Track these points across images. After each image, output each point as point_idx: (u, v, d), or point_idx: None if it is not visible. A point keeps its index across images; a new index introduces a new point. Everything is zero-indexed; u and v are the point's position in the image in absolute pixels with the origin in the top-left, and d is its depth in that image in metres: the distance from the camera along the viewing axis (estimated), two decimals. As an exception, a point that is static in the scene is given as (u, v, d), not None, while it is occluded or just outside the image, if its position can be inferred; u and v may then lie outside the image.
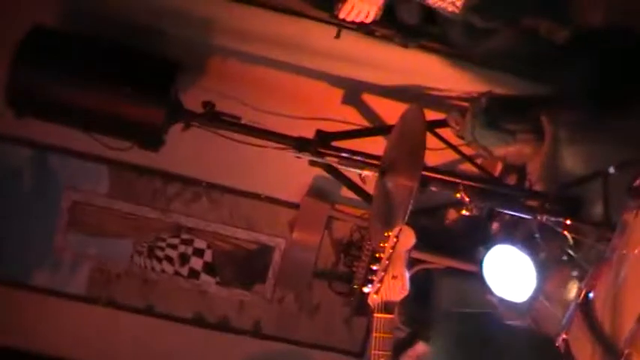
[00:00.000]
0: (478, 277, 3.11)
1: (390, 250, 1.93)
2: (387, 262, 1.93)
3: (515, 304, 2.98)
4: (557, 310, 2.82)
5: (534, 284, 2.96)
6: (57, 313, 3.88)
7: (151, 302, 3.95)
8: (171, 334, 3.97)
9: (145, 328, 3.94)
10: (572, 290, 2.45)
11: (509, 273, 3.04)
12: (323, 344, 4.08)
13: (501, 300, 3.03)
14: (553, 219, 2.73)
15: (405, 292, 1.96)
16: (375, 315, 1.96)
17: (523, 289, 2.98)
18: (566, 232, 2.65)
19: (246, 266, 3.98)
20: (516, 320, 3.10)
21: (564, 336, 1.80)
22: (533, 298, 2.94)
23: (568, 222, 2.65)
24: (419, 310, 3.46)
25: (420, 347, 3.24)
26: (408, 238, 1.92)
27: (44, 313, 3.88)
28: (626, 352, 1.53)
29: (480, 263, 3.10)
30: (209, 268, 3.95)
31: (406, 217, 2.23)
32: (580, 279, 2.39)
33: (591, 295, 1.74)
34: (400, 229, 1.91)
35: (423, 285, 3.56)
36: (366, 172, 2.84)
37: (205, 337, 4.00)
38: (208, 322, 4.01)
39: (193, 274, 3.95)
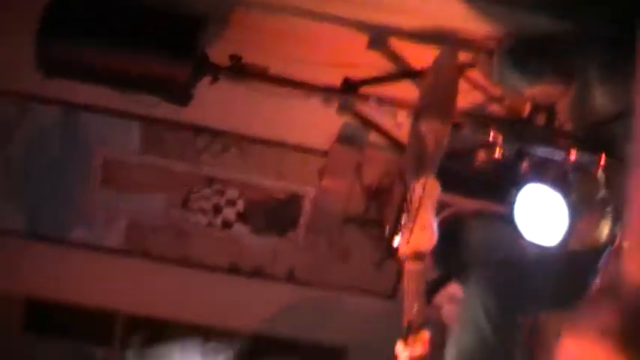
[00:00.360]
0: (509, 219, 3.11)
1: (418, 201, 1.94)
2: (415, 212, 1.94)
3: (547, 247, 2.98)
4: (589, 250, 2.83)
5: (567, 225, 2.95)
6: (95, 266, 3.97)
7: (186, 253, 4.02)
8: (206, 284, 4.04)
9: (181, 278, 4.02)
10: (605, 231, 2.45)
11: (541, 214, 3.04)
12: (355, 288, 4.14)
13: (532, 244, 3.04)
14: (585, 158, 2.71)
15: (434, 242, 1.97)
16: (406, 265, 1.98)
17: (555, 231, 2.98)
18: (598, 171, 2.64)
19: (277, 215, 4.03)
20: (548, 265, 3.12)
21: (597, 280, 1.82)
22: (565, 240, 2.94)
23: (601, 160, 2.63)
24: (449, 253, 3.48)
25: (453, 288, 3.27)
26: (434, 188, 1.93)
27: (82, 267, 3.96)
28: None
29: (510, 205, 3.10)
30: (242, 218, 4.00)
31: (437, 164, 2.23)
32: (613, 219, 2.38)
33: (624, 243, 1.74)
34: (427, 180, 1.92)
35: (453, 228, 3.58)
36: (400, 119, 2.84)
37: (240, 285, 4.07)
38: (243, 271, 4.08)
39: (226, 224, 4.00)
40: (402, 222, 1.96)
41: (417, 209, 1.93)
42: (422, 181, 1.91)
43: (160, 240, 3.99)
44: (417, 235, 1.93)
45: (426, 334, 1.91)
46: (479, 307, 2.15)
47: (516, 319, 2.20)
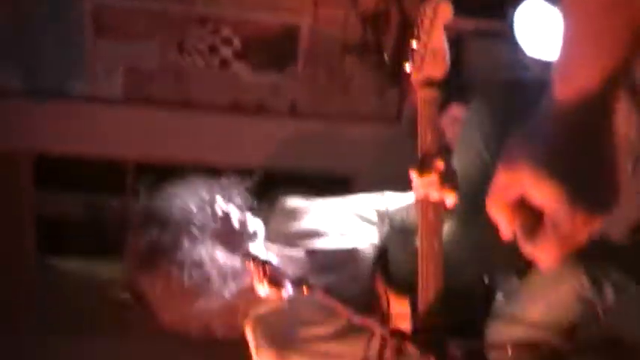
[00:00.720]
0: (509, 37, 3.09)
1: (429, 25, 1.90)
2: (426, 37, 1.91)
3: (550, 62, 2.98)
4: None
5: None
6: (97, 118, 3.98)
7: (187, 95, 4.02)
8: (209, 124, 4.06)
9: (184, 121, 4.03)
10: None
11: (541, 29, 3.01)
12: (357, 116, 4.16)
13: (534, 60, 3.03)
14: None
15: (446, 67, 1.95)
16: (419, 92, 1.97)
17: (556, 45, 2.96)
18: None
19: (275, 49, 3.98)
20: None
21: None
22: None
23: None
24: (450, 75, 3.47)
25: (454, 110, 3.29)
26: (446, 12, 1.88)
27: (85, 120, 3.97)
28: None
29: (510, 22, 3.06)
30: (239, 56, 3.96)
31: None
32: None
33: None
34: (438, 3, 1.87)
35: (452, 48, 3.55)
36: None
37: (243, 123, 4.10)
38: (245, 108, 4.09)
39: (225, 63, 3.97)
40: (413, 47, 1.92)
41: (429, 34, 1.89)
42: (432, 4, 1.85)
43: (159, 85, 3.97)
44: (429, 61, 1.91)
45: (440, 163, 1.94)
46: (478, 133, 2.15)
47: None
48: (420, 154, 1.92)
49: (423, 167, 1.92)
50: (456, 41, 3.56)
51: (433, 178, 1.91)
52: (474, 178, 2.04)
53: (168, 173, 4.18)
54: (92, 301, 4.15)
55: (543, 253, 0.95)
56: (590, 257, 1.89)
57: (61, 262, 4.43)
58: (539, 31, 3.00)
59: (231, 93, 4.06)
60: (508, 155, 0.93)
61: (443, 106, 3.42)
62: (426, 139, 1.92)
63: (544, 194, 0.90)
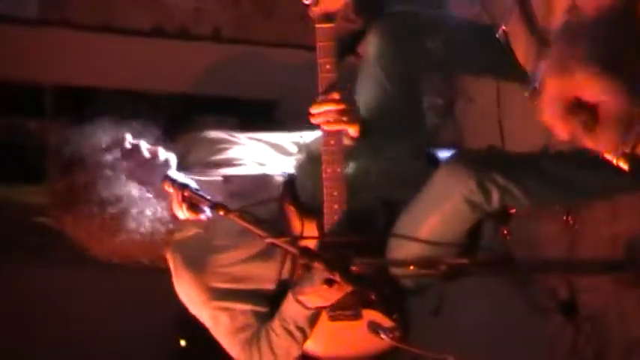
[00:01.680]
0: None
1: None
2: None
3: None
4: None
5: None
6: (13, 40, 3.86)
7: (107, 18, 3.95)
8: (131, 49, 4.01)
9: (105, 45, 3.97)
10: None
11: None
12: (282, 42, 4.17)
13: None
14: None
15: (342, 1, 2.02)
16: (317, 25, 2.04)
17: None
18: None
19: (198, -28, 3.94)
20: (466, 10, 3.17)
21: (504, 28, 1.90)
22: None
23: None
24: (371, 1, 3.51)
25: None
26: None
27: (1, 41, 3.87)
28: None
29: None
30: (160, -22, 3.91)
31: None
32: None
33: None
34: None
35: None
36: None
37: (166, 48, 4.06)
38: (167, 33, 4.04)
39: (146, -15, 3.91)
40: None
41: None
42: None
43: (77, 6, 3.89)
44: (326, -4, 1.98)
45: (335, 94, 2.01)
46: (378, 66, 2.22)
47: (416, 73, 2.28)
48: (320, 83, 2.00)
49: (322, 96, 1.99)
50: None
51: (332, 106, 1.99)
52: (378, 110, 2.12)
53: (88, 97, 4.18)
54: (12, 226, 4.13)
55: (605, 145, 1.01)
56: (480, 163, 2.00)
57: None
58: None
59: (154, 17, 4.00)
60: (557, 63, 0.99)
61: (365, 33, 3.48)
62: (324, 69, 1.99)
63: (602, 88, 0.95)
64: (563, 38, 0.99)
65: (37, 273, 3.94)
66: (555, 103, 1.05)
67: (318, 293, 1.96)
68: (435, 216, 2.02)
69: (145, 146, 2.29)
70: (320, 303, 2.07)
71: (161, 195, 2.21)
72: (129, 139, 2.27)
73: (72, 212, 2.24)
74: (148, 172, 2.24)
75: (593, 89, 0.99)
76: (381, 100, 2.17)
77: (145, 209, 2.23)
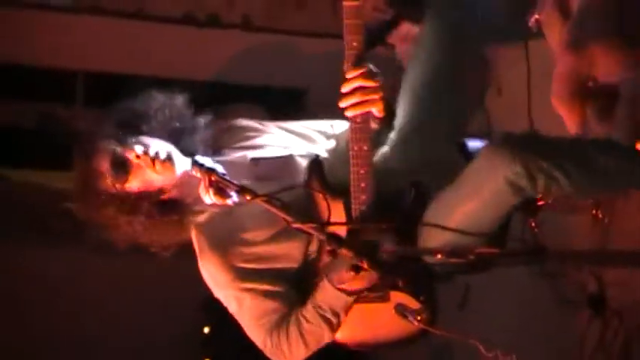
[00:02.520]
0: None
1: None
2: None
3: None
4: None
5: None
6: (47, 27, 3.91)
7: (139, 6, 3.97)
8: (162, 36, 4.03)
9: (136, 31, 4.00)
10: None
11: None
12: (312, 31, 4.16)
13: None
14: None
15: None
16: (344, 3, 2.04)
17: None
18: None
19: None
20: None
21: (537, 16, 1.87)
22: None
23: None
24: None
25: (406, 27, 3.32)
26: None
27: (33, 27, 3.89)
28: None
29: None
30: (193, -34, 3.92)
31: None
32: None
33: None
34: None
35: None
36: None
37: (197, 35, 4.07)
38: (198, 20, 4.06)
39: (177, -27, 3.93)
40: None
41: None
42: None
43: (109, -6, 3.92)
44: (352, -26, 1.98)
45: (364, 67, 2.00)
46: (432, 40, 2.21)
47: (470, 50, 2.25)
48: (346, 60, 2.00)
49: (349, 73, 1.99)
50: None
51: (362, 81, 1.99)
52: (428, 84, 2.11)
53: (119, 84, 4.20)
54: (42, 212, 4.18)
55: (621, 130, 0.99)
56: (525, 147, 1.97)
57: (11, 172, 4.42)
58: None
59: (185, 4, 4.02)
60: (575, 39, 0.96)
61: (395, 24, 3.46)
62: (352, 46, 1.99)
63: (618, 62, 0.92)
64: (579, 13, 0.96)
65: (64, 257, 3.98)
66: (568, 83, 1.01)
67: (356, 279, 1.95)
68: (475, 200, 1.99)
69: (150, 152, 2.29)
70: (360, 286, 2.05)
71: (183, 178, 2.23)
72: (134, 161, 2.27)
73: (93, 200, 2.27)
74: (177, 133, 2.28)
75: (610, 66, 0.96)
76: (432, 75, 2.16)
77: (167, 193, 2.26)
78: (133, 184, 2.25)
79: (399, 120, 2.22)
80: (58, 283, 4.06)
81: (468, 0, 2.33)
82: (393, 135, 2.20)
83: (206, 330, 3.92)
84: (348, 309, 2.15)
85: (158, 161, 2.23)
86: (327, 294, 2.14)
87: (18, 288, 4.04)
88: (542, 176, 1.94)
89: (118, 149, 2.25)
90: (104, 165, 2.26)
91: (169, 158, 2.25)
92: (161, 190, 2.28)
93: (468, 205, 2.01)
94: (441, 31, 2.25)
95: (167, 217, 2.29)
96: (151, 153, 2.24)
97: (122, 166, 2.24)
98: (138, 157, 2.24)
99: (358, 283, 2.04)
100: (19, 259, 4.08)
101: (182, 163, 2.25)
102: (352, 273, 1.78)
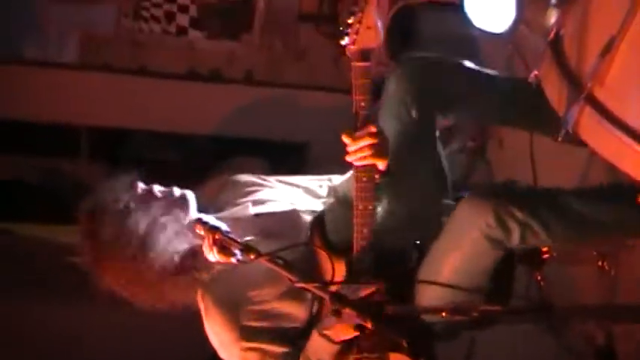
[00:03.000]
0: (459, 9, 3.15)
1: (364, 0, 2.00)
2: (361, 12, 2.00)
3: (497, 34, 3.05)
4: (537, 37, 2.90)
5: (514, 13, 3.01)
6: (53, 83, 3.97)
7: (143, 62, 4.02)
8: (165, 91, 4.09)
9: (140, 87, 4.05)
10: (552, 17, 2.49)
11: (490, 3, 3.08)
12: (313, 85, 4.21)
13: (482, 31, 3.10)
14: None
15: (379, 41, 2.04)
16: (353, 64, 2.06)
17: (503, 18, 3.04)
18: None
19: (231, 17, 4.01)
20: (498, 53, 3.18)
21: (536, 72, 1.89)
22: (514, 26, 3.01)
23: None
24: (403, 47, 3.54)
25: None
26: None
27: (40, 84, 3.96)
28: (589, 85, 1.63)
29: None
30: (195, 23, 3.98)
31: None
32: (558, 5, 2.42)
33: (562, 32, 1.80)
34: None
35: (405, 21, 3.61)
36: None
37: (199, 90, 4.12)
38: (201, 76, 4.11)
39: (181, 30, 3.99)
40: (349, 23, 2.02)
41: (363, 9, 1.99)
42: (365, -16, 1.94)
43: (115, 51, 3.97)
44: (363, 35, 2.00)
45: (372, 127, 2.02)
46: (400, 98, 2.23)
47: (434, 116, 2.27)
48: (355, 119, 2.01)
49: (357, 132, 2.01)
50: (409, 13, 3.62)
51: (369, 140, 2.00)
52: (396, 143, 2.12)
53: (123, 139, 4.23)
54: (47, 266, 4.17)
55: None
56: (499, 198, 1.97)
57: (15, 226, 4.43)
58: (488, 3, 3.07)
59: (187, 60, 4.07)
60: None
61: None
62: (360, 106, 2.01)
63: None
64: None
65: (70, 313, 3.96)
66: None
67: (342, 327, 1.94)
68: (456, 253, 1.99)
69: (157, 188, 2.31)
70: (345, 336, 2.04)
71: (186, 235, 2.22)
72: (140, 186, 2.29)
73: (103, 267, 2.27)
74: (166, 211, 2.26)
75: None
76: (401, 139, 2.17)
77: (170, 250, 2.25)
78: None
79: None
80: (63, 339, 4.04)
81: (453, 62, 2.35)
82: (386, 192, 2.20)
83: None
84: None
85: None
86: (315, 343, 2.13)
87: (22, 343, 4.02)
88: (516, 226, 1.94)
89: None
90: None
91: (184, 196, 2.27)
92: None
93: (452, 258, 2.01)
94: (408, 90, 2.26)
95: (174, 275, 2.28)
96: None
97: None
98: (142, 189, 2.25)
99: (347, 332, 2.03)
100: (22, 314, 4.06)
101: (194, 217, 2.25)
102: (355, 331, 1.76)
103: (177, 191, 2.30)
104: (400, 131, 2.20)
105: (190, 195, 2.30)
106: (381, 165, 2.07)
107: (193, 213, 2.25)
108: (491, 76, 2.33)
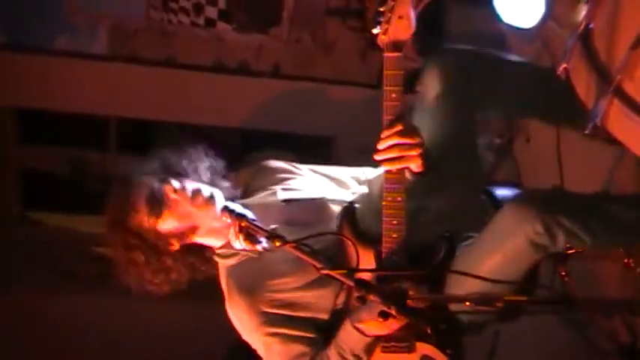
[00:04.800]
0: (488, 4, 3.14)
1: None
2: (392, 2, 1.99)
3: (525, 30, 3.03)
4: (566, 32, 2.88)
5: (544, 8, 2.99)
6: (81, 74, 3.98)
7: (171, 54, 4.04)
8: (193, 83, 4.10)
9: (168, 79, 4.06)
10: (581, 13, 2.48)
11: (519, -2, 3.07)
12: (340, 79, 4.21)
13: (511, 27, 3.09)
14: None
15: (412, 31, 2.02)
16: (385, 54, 2.04)
17: (532, 14, 3.02)
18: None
19: (260, 10, 4.01)
20: (526, 48, 3.16)
21: (565, 65, 1.89)
22: (543, 22, 2.99)
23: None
24: (432, 41, 3.53)
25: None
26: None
27: (69, 75, 3.98)
28: (618, 78, 1.62)
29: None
30: (224, 15, 3.99)
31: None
32: (588, 0, 2.40)
33: (591, 25, 1.79)
34: None
35: (434, 16, 3.60)
36: None
37: (227, 83, 4.13)
38: (229, 68, 4.12)
39: (209, 22, 4.00)
40: (381, 12, 2.00)
41: (395, -1, 1.98)
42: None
43: (143, 43, 3.99)
44: (395, 25, 1.99)
45: (399, 125, 2.01)
46: (436, 98, 2.22)
47: (473, 113, 2.26)
48: (385, 112, 2.01)
49: (389, 124, 2.00)
50: (438, 8, 3.61)
51: (397, 139, 1.99)
52: (435, 147, 2.11)
53: (150, 131, 4.26)
54: (74, 256, 4.21)
55: None
56: (547, 205, 1.98)
57: (44, 217, 4.48)
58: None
59: (215, 53, 4.09)
60: None
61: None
62: (390, 96, 2.00)
63: None
64: None
65: (94, 302, 4.00)
66: None
67: (375, 323, 1.95)
68: (497, 255, 2.00)
69: (189, 186, 2.31)
70: (378, 332, 2.05)
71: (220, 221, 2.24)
72: (173, 184, 2.30)
73: (129, 262, 2.30)
74: (196, 215, 2.28)
75: None
76: (438, 137, 2.17)
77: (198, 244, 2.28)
78: (168, 222, 2.27)
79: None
80: (87, 328, 4.08)
81: (489, 56, 2.34)
82: (418, 186, 2.20)
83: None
84: (369, 350, 2.13)
85: (200, 196, 2.25)
86: (347, 334, 2.14)
87: (46, 332, 4.06)
88: (563, 233, 1.94)
89: (156, 184, 2.27)
90: (140, 201, 2.27)
91: (212, 197, 2.27)
92: (193, 229, 2.29)
93: (493, 257, 2.01)
94: (454, 69, 2.25)
95: (193, 261, 2.30)
96: (189, 188, 2.26)
97: (157, 201, 2.25)
98: (175, 191, 2.26)
99: (380, 328, 2.03)
100: (49, 303, 4.11)
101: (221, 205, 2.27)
102: (378, 318, 1.76)
103: (206, 190, 2.30)
104: (438, 129, 2.19)
105: (218, 194, 2.31)
106: (415, 166, 2.05)
107: (219, 208, 2.27)
108: (521, 67, 2.32)
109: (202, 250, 2.35)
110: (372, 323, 2.00)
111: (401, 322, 1.81)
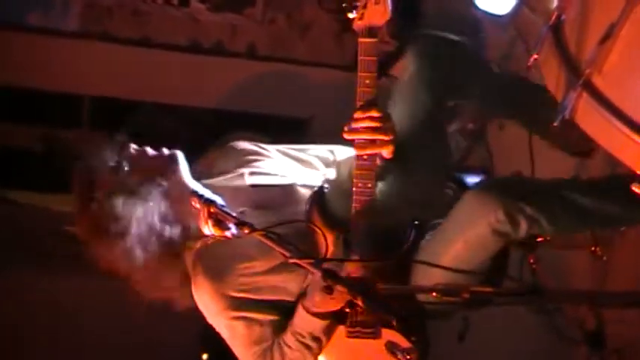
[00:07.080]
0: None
1: None
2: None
3: (499, 16, 3.04)
4: (541, 20, 2.89)
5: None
6: (54, 50, 3.95)
7: (145, 33, 4.01)
8: (168, 63, 4.07)
9: (142, 58, 4.03)
10: (554, 1, 2.49)
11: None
12: (315, 61, 4.19)
13: (486, 13, 3.09)
14: None
15: (387, 17, 2.02)
16: (360, 39, 2.03)
17: (507, 1, 3.03)
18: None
19: (234, -10, 3.99)
20: (500, 36, 3.17)
21: (535, 56, 1.89)
22: (517, 9, 3.00)
23: None
24: (407, 25, 3.52)
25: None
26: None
27: (41, 51, 3.94)
28: (587, 71, 1.63)
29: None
30: (198, -5, 3.96)
31: None
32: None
33: (563, 17, 1.79)
34: None
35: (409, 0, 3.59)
36: None
37: (201, 63, 4.10)
38: (203, 48, 4.09)
39: (183, 1, 3.97)
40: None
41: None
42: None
43: (117, 21, 3.95)
44: (371, 10, 1.98)
45: (374, 111, 2.01)
46: (412, 82, 2.22)
47: (444, 100, 2.27)
48: (358, 98, 2.00)
49: (361, 110, 2.00)
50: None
51: (369, 123, 1.99)
52: (410, 130, 2.11)
53: (125, 109, 4.22)
54: (46, 235, 4.18)
55: None
56: (508, 193, 1.99)
57: (15, 194, 4.44)
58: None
59: (190, 32, 4.05)
60: None
61: (399, 55, 3.49)
62: (364, 83, 2.00)
63: None
64: None
65: (69, 284, 3.98)
66: None
67: (323, 299, 1.96)
68: (459, 242, 2.01)
69: (149, 149, 2.30)
70: (327, 308, 2.06)
71: (180, 206, 2.21)
72: (132, 146, 2.28)
73: (96, 242, 2.27)
74: (158, 170, 2.25)
75: None
76: (408, 122, 2.17)
77: (165, 225, 2.25)
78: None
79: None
80: (62, 309, 4.06)
81: (463, 43, 2.34)
82: (387, 171, 2.20)
83: (205, 357, 3.91)
84: (328, 332, 2.15)
85: (161, 153, 2.23)
86: (302, 319, 2.15)
87: (21, 314, 4.04)
88: (524, 221, 1.96)
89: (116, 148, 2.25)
90: (101, 163, 2.24)
91: (173, 154, 2.25)
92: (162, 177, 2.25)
93: (456, 245, 2.03)
94: (432, 54, 2.25)
95: (167, 252, 2.28)
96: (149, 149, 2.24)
97: (119, 159, 2.23)
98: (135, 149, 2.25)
99: (330, 304, 2.04)
100: (22, 284, 4.08)
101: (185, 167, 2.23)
102: (324, 294, 1.76)
103: (166, 150, 2.29)
104: (410, 114, 2.19)
105: (180, 155, 2.29)
106: (386, 152, 2.06)
107: (185, 174, 2.24)
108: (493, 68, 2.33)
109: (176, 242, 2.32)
110: (325, 302, 2.01)
111: (345, 295, 1.80)
